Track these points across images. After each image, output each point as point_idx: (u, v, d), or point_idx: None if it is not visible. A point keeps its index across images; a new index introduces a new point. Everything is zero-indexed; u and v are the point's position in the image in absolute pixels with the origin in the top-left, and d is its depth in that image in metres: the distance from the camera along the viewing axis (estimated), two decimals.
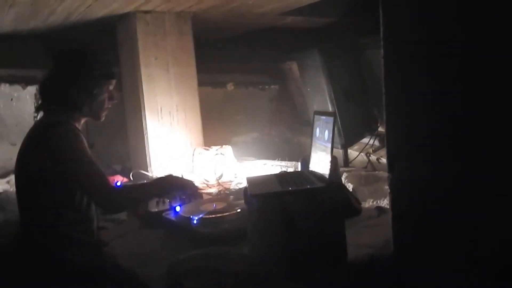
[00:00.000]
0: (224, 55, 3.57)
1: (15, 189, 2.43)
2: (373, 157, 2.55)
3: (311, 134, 1.57)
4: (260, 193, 1.31)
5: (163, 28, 2.82)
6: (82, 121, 1.72)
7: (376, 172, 2.28)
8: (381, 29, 1.27)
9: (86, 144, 1.61)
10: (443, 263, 1.20)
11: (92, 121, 1.77)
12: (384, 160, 2.46)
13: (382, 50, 1.29)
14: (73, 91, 1.62)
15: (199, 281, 1.26)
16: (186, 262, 1.32)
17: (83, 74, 1.63)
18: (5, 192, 2.59)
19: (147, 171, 2.72)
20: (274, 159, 2.82)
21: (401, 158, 1.29)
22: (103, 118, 1.76)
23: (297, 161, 1.93)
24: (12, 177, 2.83)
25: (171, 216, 1.80)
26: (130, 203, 1.73)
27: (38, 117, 1.77)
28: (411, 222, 1.29)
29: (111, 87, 1.73)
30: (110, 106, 1.75)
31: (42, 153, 1.56)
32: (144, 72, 2.77)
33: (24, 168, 1.62)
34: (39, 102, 1.71)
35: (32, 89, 2.99)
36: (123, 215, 2.05)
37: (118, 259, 1.64)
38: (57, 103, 1.64)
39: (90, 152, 1.62)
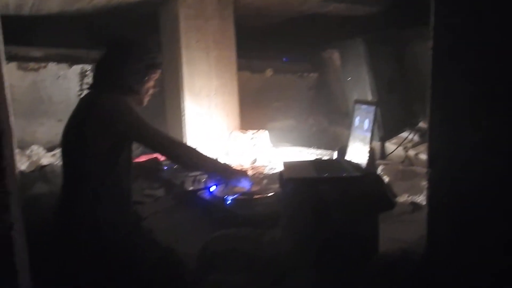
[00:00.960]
0: (264, 42, 3.56)
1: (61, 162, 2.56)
2: (411, 152, 2.49)
3: (350, 124, 1.55)
4: (295, 177, 1.31)
5: (205, 12, 2.84)
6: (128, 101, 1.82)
7: (414, 167, 2.23)
8: (432, 19, 1.23)
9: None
10: (478, 266, 1.17)
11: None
12: (422, 156, 2.40)
13: (431, 41, 1.25)
14: (125, 77, 1.78)
15: (229, 262, 1.29)
16: (218, 243, 1.34)
17: (136, 62, 1.80)
18: (51, 165, 2.70)
19: None
20: (309, 147, 2.81)
21: (442, 155, 1.26)
22: (145, 103, 1.92)
23: (333, 150, 1.92)
24: (57, 151, 2.95)
25: (205, 195, 1.84)
26: (194, 164, 1.83)
27: (83, 95, 1.91)
28: (447, 220, 1.26)
29: (156, 76, 1.89)
30: (152, 93, 1.91)
31: (97, 118, 1.68)
32: (185, 55, 2.81)
33: (72, 139, 1.71)
34: (92, 81, 1.86)
35: (77, 68, 3.10)
36: (160, 192, 2.10)
37: (154, 234, 1.70)
38: (110, 85, 1.78)
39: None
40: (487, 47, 1.09)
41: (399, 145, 2.56)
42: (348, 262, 1.26)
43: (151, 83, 1.88)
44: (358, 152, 1.47)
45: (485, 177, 1.12)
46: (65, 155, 1.79)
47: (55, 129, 3.08)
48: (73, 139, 1.72)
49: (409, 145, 2.50)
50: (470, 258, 1.18)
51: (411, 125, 2.54)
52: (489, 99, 1.10)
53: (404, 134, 2.56)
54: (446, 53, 1.20)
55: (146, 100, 1.91)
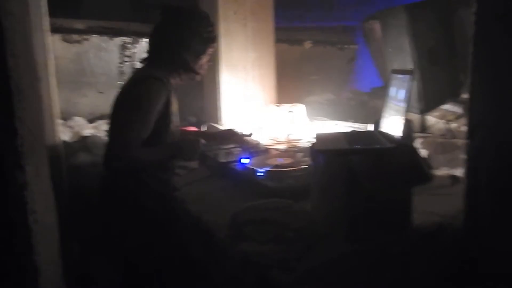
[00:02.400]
0: (303, 12, 3.48)
1: (103, 133, 2.64)
2: (453, 125, 2.38)
3: (383, 94, 1.50)
4: (325, 149, 1.29)
5: None
6: (181, 77, 1.78)
7: (455, 140, 2.14)
8: None
9: (161, 103, 1.66)
10: None
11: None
12: (464, 129, 2.29)
13: (474, 5, 1.17)
14: (182, 50, 1.69)
15: (260, 231, 1.29)
16: (248, 212, 1.35)
17: (195, 36, 1.70)
18: (93, 136, 2.79)
19: (218, 124, 2.79)
20: (347, 120, 2.75)
21: (483, 124, 1.19)
22: (200, 79, 1.84)
23: (370, 123, 1.87)
24: (98, 123, 3.05)
25: (238, 167, 1.85)
26: (139, 164, 1.68)
27: (123, 67, 1.90)
28: (487, 194, 1.20)
29: (212, 50, 1.79)
30: (206, 67, 1.82)
31: (124, 101, 1.66)
32: (222, 26, 2.79)
33: (118, 110, 1.72)
34: (146, 53, 1.77)
35: (118, 41, 3.16)
36: (194, 164, 2.13)
37: (187, 204, 1.73)
38: (164, 60, 1.71)
39: (159, 111, 1.67)
40: None
41: (442, 118, 2.45)
42: (380, 233, 1.23)
43: (206, 57, 1.78)
44: (393, 124, 1.42)
45: None
46: (109, 124, 1.78)
47: (97, 101, 3.19)
48: (119, 111, 1.71)
49: (452, 117, 2.40)
50: (510, 236, 1.13)
51: (454, 97, 2.42)
52: None
53: (447, 106, 2.45)
54: (490, 16, 1.13)
55: (200, 76, 1.82)
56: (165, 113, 1.68)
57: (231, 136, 2.08)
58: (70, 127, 2.92)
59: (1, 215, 0.61)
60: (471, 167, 1.23)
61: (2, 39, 0.60)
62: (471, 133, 1.21)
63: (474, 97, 1.20)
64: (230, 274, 1.27)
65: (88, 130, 2.96)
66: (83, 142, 2.75)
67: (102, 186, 1.76)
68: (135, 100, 1.62)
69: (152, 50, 1.75)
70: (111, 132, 1.68)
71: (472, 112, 1.21)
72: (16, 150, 0.61)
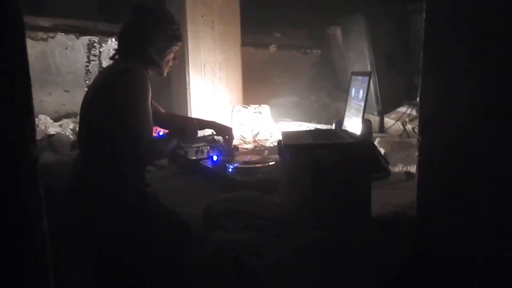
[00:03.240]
0: (269, 17, 3.59)
1: (68, 132, 2.63)
2: (409, 126, 2.56)
3: (347, 95, 1.62)
4: (293, 144, 1.39)
5: None
6: (148, 72, 1.87)
7: (410, 139, 2.30)
8: None
9: (150, 92, 1.77)
10: (466, 231, 1.25)
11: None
12: None
13: (423, 13, 1.31)
14: (148, 47, 1.81)
15: (232, 220, 1.38)
16: (221, 203, 1.43)
17: (161, 33, 1.82)
18: (58, 134, 2.78)
19: None
20: (310, 122, 2.88)
21: (433, 122, 1.32)
22: (165, 75, 1.96)
23: (332, 124, 1.99)
24: (64, 121, 3.03)
25: (208, 164, 1.92)
26: (161, 155, 1.93)
27: (90, 66, 1.97)
28: (437, 185, 1.33)
29: (177, 48, 1.92)
30: (172, 65, 1.94)
31: (114, 96, 1.74)
32: (190, 28, 2.86)
33: (96, 108, 1.77)
34: (116, 50, 1.88)
35: (85, 39, 3.15)
36: (164, 161, 2.19)
37: (160, 198, 1.79)
38: (132, 55, 1.82)
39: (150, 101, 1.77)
40: (476, 16, 1.15)
41: (398, 120, 2.63)
42: (343, 221, 1.35)
43: (171, 55, 1.90)
44: (353, 123, 1.55)
45: (476, 142, 1.19)
46: (84, 123, 1.84)
47: (62, 99, 3.17)
48: (94, 107, 1.78)
49: (407, 119, 2.57)
50: (460, 221, 1.26)
51: (410, 99, 2.60)
52: (482, 63, 1.16)
53: (403, 109, 2.62)
54: (438, 21, 1.26)
55: (166, 71, 1.94)
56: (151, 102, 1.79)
57: (228, 133, 2.13)
58: (35, 125, 2.89)
59: (15, 187, 0.68)
60: (423, 160, 1.36)
61: None
62: (422, 130, 1.34)
63: (424, 97, 1.33)
64: (206, 262, 1.34)
65: (53, 128, 2.94)
66: (48, 141, 2.74)
67: (77, 182, 1.79)
68: (135, 94, 1.72)
69: (121, 46, 1.86)
70: (106, 129, 1.73)
71: (423, 111, 1.34)
72: (32, 127, 0.68)
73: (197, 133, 2.00)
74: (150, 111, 1.77)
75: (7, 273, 0.70)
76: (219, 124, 2.21)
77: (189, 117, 2.30)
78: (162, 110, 2.16)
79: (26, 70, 0.68)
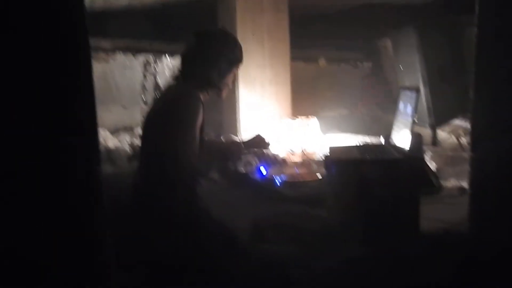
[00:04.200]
0: (318, 31, 3.62)
1: (126, 146, 2.77)
2: (463, 140, 2.48)
3: (395, 110, 1.61)
4: (339, 159, 1.41)
5: (261, 5, 2.95)
6: (208, 93, 1.92)
7: (464, 153, 2.23)
8: (476, 6, 1.27)
9: (201, 115, 1.80)
10: None
11: None
12: None
13: (476, 28, 1.29)
14: (211, 71, 1.84)
15: (279, 235, 1.41)
16: (267, 217, 1.47)
17: (223, 56, 1.85)
18: (117, 148, 2.93)
19: (237, 138, 2.92)
20: (360, 134, 2.85)
21: (485, 137, 1.29)
22: (224, 96, 1.98)
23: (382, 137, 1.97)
24: (122, 135, 3.20)
25: (257, 177, 1.97)
26: (206, 173, 1.96)
27: (146, 83, 2.07)
28: (490, 202, 1.30)
29: (237, 70, 1.95)
30: (231, 86, 1.96)
31: (167, 118, 1.79)
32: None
33: (153, 127, 1.86)
34: (178, 71, 1.93)
35: (141, 58, 3.33)
36: (214, 174, 2.26)
37: (209, 212, 1.85)
38: (194, 77, 1.86)
39: (199, 125, 1.82)
40: None
41: (451, 133, 2.55)
42: (390, 237, 1.34)
43: (231, 77, 1.93)
44: (402, 137, 1.53)
45: None
46: (144, 140, 1.92)
47: (120, 115, 3.35)
48: (152, 126, 1.85)
49: (462, 132, 2.49)
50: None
51: (464, 112, 2.52)
52: None
53: (457, 122, 2.55)
54: (490, 37, 1.24)
55: (225, 93, 1.96)
56: (201, 126, 1.84)
57: (260, 141, 2.12)
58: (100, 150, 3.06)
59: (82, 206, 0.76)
60: (475, 177, 1.33)
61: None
62: (474, 146, 1.31)
63: (477, 113, 1.30)
64: (253, 273, 1.38)
65: (112, 141, 3.10)
66: (107, 154, 2.89)
67: (135, 195, 1.89)
68: (183, 119, 1.77)
69: (184, 68, 1.91)
70: (159, 150, 1.80)
71: (475, 125, 1.31)
72: (98, 153, 0.76)
73: (240, 157, 2.01)
74: (196, 137, 1.79)
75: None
76: (251, 139, 2.18)
77: (233, 140, 2.33)
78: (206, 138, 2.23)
79: (92, 93, 0.76)
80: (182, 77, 1.90)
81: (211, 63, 1.84)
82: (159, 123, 1.83)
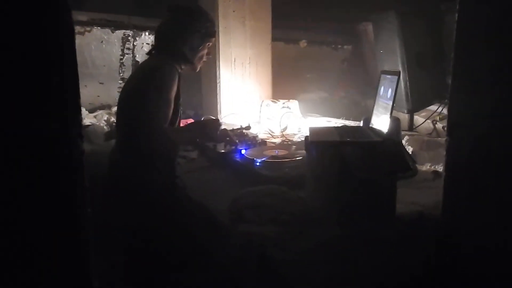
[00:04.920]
0: (300, 13, 3.59)
1: (103, 123, 2.73)
2: (439, 125, 2.53)
3: (375, 93, 1.63)
4: (320, 140, 1.41)
5: None
6: (181, 67, 1.96)
7: (439, 138, 2.28)
8: None
9: (175, 84, 1.85)
10: (491, 233, 1.24)
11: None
12: None
13: (456, 16, 1.30)
14: (183, 45, 1.90)
15: (258, 214, 1.42)
16: (247, 196, 1.47)
17: (194, 31, 1.91)
18: (93, 125, 2.88)
19: (217, 118, 2.91)
20: (339, 118, 2.88)
21: (461, 123, 1.32)
22: (198, 69, 2.03)
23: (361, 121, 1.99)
24: (98, 113, 3.14)
25: (237, 157, 1.97)
26: (173, 144, 1.91)
27: (124, 59, 2.07)
28: (463, 187, 1.33)
29: (210, 44, 2.00)
30: (205, 60, 2.02)
31: (143, 90, 1.82)
32: (221, 23, 2.90)
33: (129, 101, 1.86)
34: (151, 46, 1.98)
35: (119, 33, 3.25)
36: (194, 154, 2.25)
37: (188, 191, 1.85)
38: (167, 52, 1.91)
39: (174, 94, 1.83)
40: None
41: (428, 118, 2.60)
42: (367, 219, 1.36)
43: (205, 51, 1.98)
44: (381, 121, 1.55)
45: (504, 145, 1.18)
46: (120, 115, 1.95)
47: (97, 91, 3.28)
48: (128, 100, 1.87)
49: (438, 118, 2.54)
50: (486, 222, 1.26)
51: (440, 98, 2.56)
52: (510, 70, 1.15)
53: (434, 107, 2.59)
54: (469, 24, 1.25)
55: (198, 66, 2.02)
56: (177, 97, 1.85)
57: (223, 136, 2.12)
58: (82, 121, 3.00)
59: (64, 178, 0.74)
60: (450, 162, 1.36)
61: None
62: (450, 130, 1.34)
63: (454, 98, 1.33)
64: (231, 254, 1.39)
65: (88, 119, 3.05)
66: (83, 132, 2.83)
67: (112, 171, 1.87)
68: (158, 87, 1.80)
69: (157, 43, 1.97)
70: (137, 118, 1.81)
71: (451, 112, 1.34)
72: (79, 123, 0.74)
73: (217, 129, 2.00)
74: (171, 104, 1.83)
75: (56, 262, 0.76)
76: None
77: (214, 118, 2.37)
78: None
79: (75, 68, 0.74)
80: (156, 51, 1.92)
81: (183, 37, 1.89)
82: (134, 93, 1.84)
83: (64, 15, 0.74)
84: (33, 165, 0.72)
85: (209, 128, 1.97)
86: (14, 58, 0.69)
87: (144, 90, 1.81)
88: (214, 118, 2.10)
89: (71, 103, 0.74)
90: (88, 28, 3.16)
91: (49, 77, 0.72)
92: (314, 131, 1.58)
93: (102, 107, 3.27)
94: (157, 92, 1.79)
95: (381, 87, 1.58)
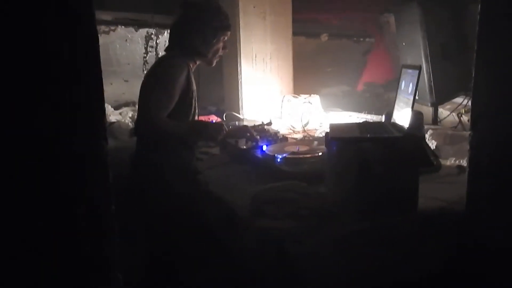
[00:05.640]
0: (320, 6, 3.57)
1: (128, 120, 2.79)
2: (464, 118, 2.48)
3: (397, 86, 1.61)
4: (340, 136, 1.41)
5: None
6: (196, 63, 2.00)
7: (463, 132, 2.23)
8: None
9: (183, 80, 1.87)
10: None
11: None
12: None
13: (479, 5, 1.28)
14: (196, 39, 1.92)
15: (277, 208, 1.43)
16: (267, 191, 1.49)
17: (206, 24, 1.92)
18: (118, 122, 2.94)
19: (239, 113, 2.93)
20: (361, 112, 2.85)
21: (485, 116, 1.30)
22: (214, 64, 2.05)
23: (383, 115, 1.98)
24: (123, 110, 3.21)
25: (258, 153, 1.98)
26: (166, 133, 1.88)
27: (147, 57, 2.12)
28: (487, 181, 1.31)
29: (226, 38, 2.02)
30: (222, 54, 2.04)
31: (149, 80, 1.89)
32: (242, 19, 2.91)
33: (143, 96, 1.91)
34: (168, 43, 2.01)
35: (143, 32, 3.30)
36: (215, 150, 2.27)
37: (209, 186, 1.87)
38: (181, 47, 1.93)
39: (182, 90, 1.87)
40: None
41: (452, 111, 2.55)
42: (388, 214, 1.36)
43: (220, 45, 2.00)
44: (404, 115, 1.54)
45: None
46: (140, 103, 1.97)
47: (122, 89, 3.35)
48: (146, 89, 1.92)
49: (463, 110, 2.49)
50: (509, 216, 1.24)
51: (465, 90, 2.51)
52: None
53: (458, 99, 2.54)
54: (493, 14, 1.23)
55: (214, 61, 2.03)
56: (187, 91, 1.87)
57: (244, 132, 2.14)
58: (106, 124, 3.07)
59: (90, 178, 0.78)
60: (473, 156, 1.34)
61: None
62: (474, 124, 1.32)
63: (477, 91, 1.31)
64: (249, 247, 1.41)
65: (114, 116, 3.11)
66: (109, 128, 2.90)
67: (132, 164, 1.92)
68: (158, 77, 1.86)
69: (171, 39, 2.00)
70: (140, 109, 1.89)
71: (475, 105, 1.32)
72: (104, 126, 0.78)
73: (219, 133, 1.99)
74: (172, 97, 1.85)
75: (82, 258, 0.80)
76: (234, 128, 2.22)
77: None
78: None
79: (99, 74, 0.77)
80: (170, 47, 1.96)
81: (195, 31, 1.91)
82: (142, 87, 1.89)
83: (89, 23, 0.77)
84: (64, 165, 0.76)
85: (211, 131, 1.97)
86: (39, 66, 0.73)
87: (147, 83, 1.87)
88: (220, 122, 2.14)
89: (97, 109, 0.77)
90: (112, 27, 3.22)
91: (74, 85, 0.76)
92: (335, 127, 1.57)
93: (127, 104, 3.34)
94: (158, 83, 1.83)
95: (402, 81, 1.56)
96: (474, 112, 1.33)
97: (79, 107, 0.75)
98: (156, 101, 1.80)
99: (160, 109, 1.81)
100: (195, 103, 1.99)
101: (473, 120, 1.34)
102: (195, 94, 1.96)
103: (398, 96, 1.59)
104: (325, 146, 1.59)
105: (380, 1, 3.41)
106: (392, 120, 1.69)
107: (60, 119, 0.74)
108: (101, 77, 0.78)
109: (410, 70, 1.52)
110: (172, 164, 1.88)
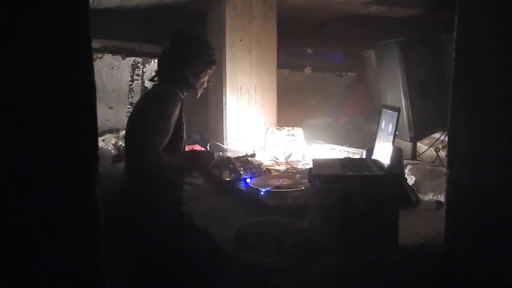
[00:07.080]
0: (304, 40, 3.68)
1: (111, 146, 2.78)
2: (442, 153, 2.56)
3: (377, 126, 1.67)
4: (322, 174, 1.45)
5: (250, 12, 3.01)
6: (183, 93, 2.02)
7: (442, 168, 2.30)
8: (456, 24, 1.33)
9: (177, 112, 1.90)
10: (493, 265, 1.26)
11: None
12: None
13: (454, 46, 1.35)
14: (186, 71, 1.96)
15: (262, 243, 1.45)
16: (252, 226, 1.50)
17: (197, 58, 1.97)
18: (100, 149, 2.94)
19: (223, 144, 2.96)
20: (343, 144, 2.92)
21: (460, 157, 1.36)
22: (199, 96, 2.10)
23: (365, 149, 2.03)
24: (107, 136, 3.20)
25: (241, 186, 2.01)
26: (164, 167, 1.90)
27: (133, 85, 2.14)
28: (465, 217, 1.36)
29: (211, 72, 2.06)
30: (206, 87, 2.09)
31: (147, 112, 1.88)
32: (228, 52, 2.98)
33: (134, 125, 1.93)
34: (155, 72, 2.04)
35: (130, 60, 3.34)
36: (199, 181, 2.29)
37: (193, 217, 1.88)
38: (170, 78, 1.97)
39: (175, 122, 1.89)
40: (507, 54, 1.19)
41: (430, 146, 2.63)
42: (370, 249, 1.39)
43: (206, 78, 2.05)
44: (384, 152, 1.59)
45: (501, 179, 1.22)
46: (127, 140, 2.01)
47: (106, 115, 3.35)
48: (133, 126, 1.93)
49: (441, 146, 2.57)
50: (486, 252, 1.28)
51: (443, 127, 2.59)
52: (507, 104, 1.19)
53: (437, 135, 2.62)
54: (465, 62, 1.30)
55: (199, 93, 2.08)
56: (179, 123, 1.90)
57: (227, 164, 2.18)
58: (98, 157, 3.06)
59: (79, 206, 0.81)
60: (451, 193, 1.39)
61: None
62: (450, 163, 1.38)
63: (452, 133, 1.37)
64: (235, 282, 1.41)
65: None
66: None
67: (121, 193, 1.92)
68: (159, 111, 1.87)
69: (161, 69, 2.03)
70: (134, 140, 1.89)
71: (451, 146, 1.38)
72: (96, 159, 0.80)
73: (210, 162, 2.06)
74: (169, 130, 1.87)
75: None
76: (217, 160, 2.23)
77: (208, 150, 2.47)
78: None
79: (94, 108, 0.80)
80: (160, 77, 1.99)
81: (187, 64, 1.96)
82: (137, 117, 1.90)
83: (86, 45, 0.80)
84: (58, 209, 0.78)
85: (202, 159, 2.02)
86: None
87: (145, 115, 1.88)
88: (208, 150, 2.18)
89: (90, 128, 0.80)
90: (99, 55, 3.25)
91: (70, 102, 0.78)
92: (318, 163, 1.62)
93: (110, 130, 3.34)
94: (157, 116, 1.85)
95: (382, 120, 1.62)
96: (451, 151, 1.39)
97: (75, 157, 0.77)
98: (158, 136, 1.83)
99: (160, 143, 1.84)
100: (184, 134, 2.02)
101: (450, 159, 1.39)
102: (185, 125, 2.00)
103: (378, 134, 1.65)
104: (308, 181, 1.63)
105: (362, 38, 3.54)
106: (373, 155, 1.75)
107: (57, 171, 0.77)
108: (97, 129, 0.82)
109: (389, 111, 1.59)
110: (162, 196, 1.89)
